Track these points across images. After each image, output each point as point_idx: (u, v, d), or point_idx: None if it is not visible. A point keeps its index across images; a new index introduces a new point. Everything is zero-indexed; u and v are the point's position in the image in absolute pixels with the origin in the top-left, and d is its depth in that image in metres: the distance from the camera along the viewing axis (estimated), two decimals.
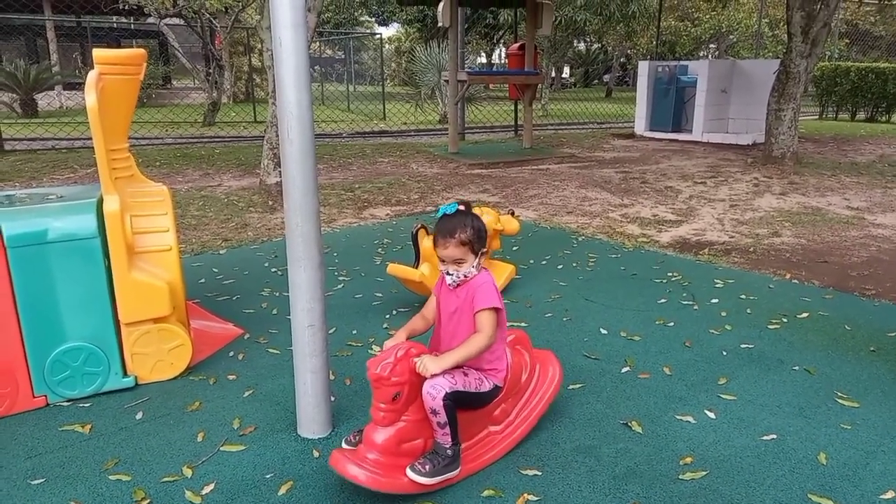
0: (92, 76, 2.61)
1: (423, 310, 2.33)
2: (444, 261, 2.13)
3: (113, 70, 2.73)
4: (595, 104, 19.12)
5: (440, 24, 9.22)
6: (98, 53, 2.69)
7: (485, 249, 2.16)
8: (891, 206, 6.46)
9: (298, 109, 2.11)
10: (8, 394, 2.53)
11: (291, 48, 2.07)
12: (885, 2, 11.60)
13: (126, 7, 14.70)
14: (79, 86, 17.50)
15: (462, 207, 2.16)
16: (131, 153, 3.01)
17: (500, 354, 2.24)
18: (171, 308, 2.77)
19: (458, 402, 2.03)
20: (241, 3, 15.56)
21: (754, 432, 2.42)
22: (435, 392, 1.97)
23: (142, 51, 2.90)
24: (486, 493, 2.08)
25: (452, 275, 2.13)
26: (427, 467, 1.98)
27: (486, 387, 2.16)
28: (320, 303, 2.31)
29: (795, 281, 4.22)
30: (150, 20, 16.05)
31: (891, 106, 15.92)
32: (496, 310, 2.12)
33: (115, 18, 21.52)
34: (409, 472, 1.98)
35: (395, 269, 3.60)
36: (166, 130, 12.17)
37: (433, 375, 1.98)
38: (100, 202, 2.68)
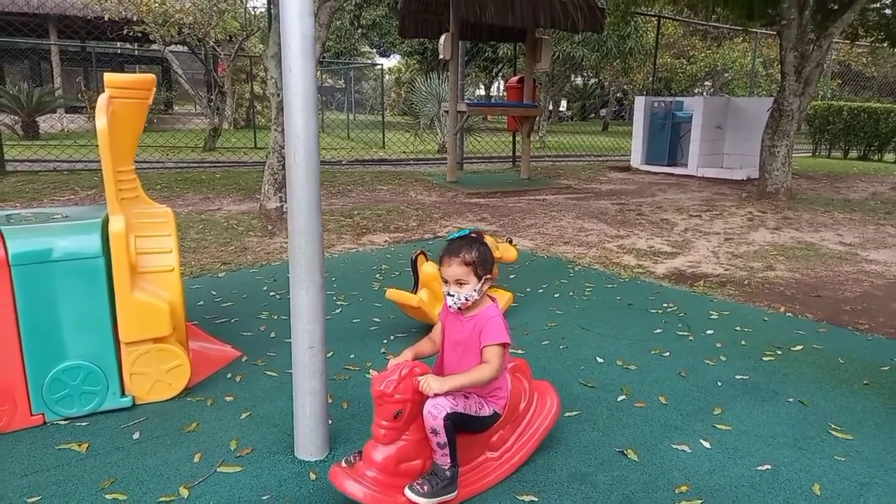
0: (102, 99, 2.67)
1: (431, 333, 2.37)
2: (446, 281, 2.17)
3: (123, 94, 2.79)
4: (592, 137, 19.36)
5: (441, 57, 9.39)
6: (109, 77, 2.75)
7: (489, 276, 2.19)
8: (883, 243, 6.53)
9: (305, 134, 2.17)
10: (5, 411, 2.53)
11: (300, 75, 2.13)
12: (877, 44, 11.88)
13: (131, 34, 14.92)
14: (81, 110, 17.68)
15: (474, 235, 2.21)
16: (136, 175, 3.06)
17: (501, 383, 2.26)
18: (172, 328, 2.78)
19: (458, 425, 2.05)
20: (245, 32, 15.84)
21: (749, 462, 2.44)
22: (436, 412, 1.99)
23: (151, 76, 2.96)
24: None
25: (453, 296, 2.15)
26: (425, 488, 1.99)
27: (486, 412, 2.18)
28: (321, 325, 2.34)
29: (789, 314, 4.26)
30: (154, 47, 16.28)
31: (883, 145, 16.18)
32: (504, 345, 2.15)
33: (118, 44, 21.82)
34: (407, 491, 1.99)
35: (393, 294, 3.62)
36: (167, 155, 12.25)
37: (435, 395, 2.00)
38: (105, 222, 2.72)
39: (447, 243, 2.21)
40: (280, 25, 2.16)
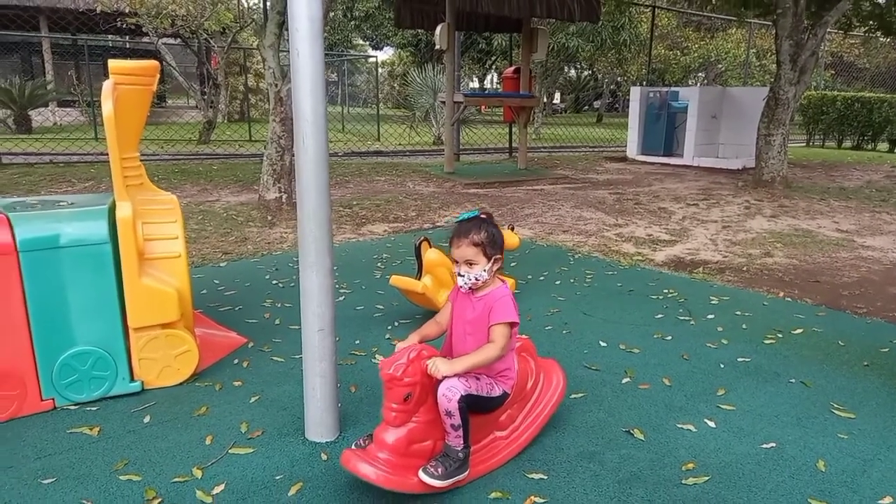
0: (107, 86, 2.67)
1: (437, 315, 2.39)
2: (457, 262, 2.19)
3: (127, 80, 2.79)
4: (586, 129, 19.38)
5: (437, 47, 9.38)
6: (113, 64, 2.75)
7: (499, 256, 2.22)
8: (879, 230, 6.59)
9: (314, 118, 2.18)
10: (16, 396, 2.54)
11: (309, 58, 2.14)
12: (870, 33, 11.95)
13: (124, 26, 14.83)
14: (73, 103, 17.58)
15: (483, 216, 2.23)
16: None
17: (509, 363, 2.29)
18: (180, 313, 2.80)
19: (470, 406, 2.07)
20: (238, 25, 15.75)
21: (754, 440, 2.47)
22: (451, 394, 2.01)
23: (154, 62, 2.96)
24: (493, 495, 2.11)
25: (464, 276, 2.18)
26: (440, 470, 2.02)
27: (496, 392, 2.21)
28: (330, 308, 2.35)
29: (789, 299, 4.30)
30: (146, 39, 16.21)
31: (876, 134, 16.25)
32: (512, 324, 2.17)
33: (110, 38, 21.68)
34: (421, 474, 2.00)
35: (397, 280, 3.64)
36: (162, 147, 12.21)
37: (445, 377, 2.02)
38: (111, 209, 2.72)
39: (457, 225, 2.23)
40: (288, 10, 2.16)
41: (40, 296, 2.56)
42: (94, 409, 2.62)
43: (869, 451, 2.41)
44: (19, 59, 20.90)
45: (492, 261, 2.19)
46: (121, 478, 2.15)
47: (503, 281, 2.30)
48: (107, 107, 2.63)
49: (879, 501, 2.12)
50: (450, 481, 2.05)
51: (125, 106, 2.81)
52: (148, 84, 2.96)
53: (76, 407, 2.63)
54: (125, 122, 2.83)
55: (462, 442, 2.08)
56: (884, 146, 16.45)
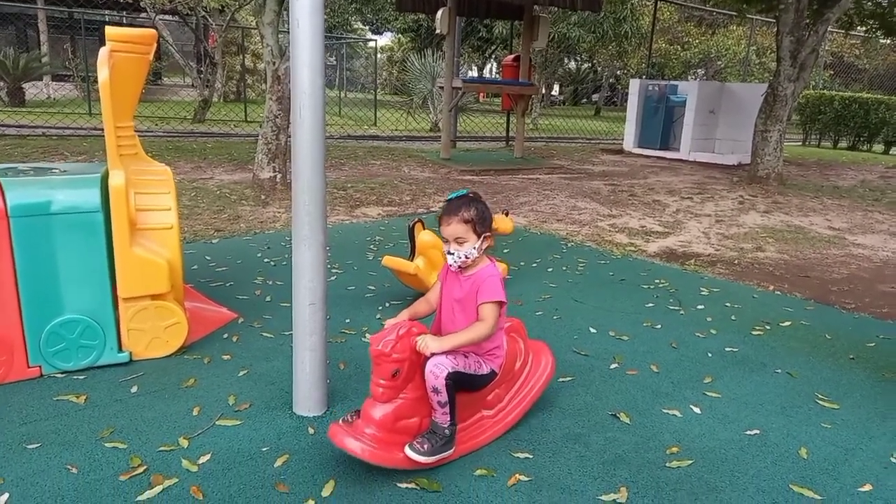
0: (104, 52, 2.65)
1: (427, 294, 2.39)
2: (447, 240, 2.19)
3: (124, 48, 2.76)
4: (584, 121, 19.34)
5: (438, 31, 9.33)
6: (110, 30, 2.72)
7: (488, 234, 2.21)
8: (871, 228, 6.62)
9: (312, 90, 2.16)
10: (3, 362, 2.53)
11: (308, 30, 2.12)
12: (871, 33, 11.96)
13: (122, 0, 14.66)
14: (68, 78, 17.40)
15: (472, 195, 2.23)
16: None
17: (498, 342, 2.30)
18: (170, 285, 2.79)
19: (458, 383, 2.08)
20: (237, 3, 15.59)
21: (738, 427, 2.49)
22: (438, 371, 2.02)
23: (152, 31, 2.93)
24: (478, 472, 2.12)
25: (454, 254, 2.17)
26: (426, 446, 2.03)
27: (484, 370, 2.22)
28: (322, 282, 2.35)
29: (778, 292, 4.33)
30: (143, 15, 16.02)
31: (872, 135, 16.31)
32: (500, 303, 2.17)
33: (106, 12, 21.44)
34: (407, 450, 2.02)
35: (389, 261, 3.64)
36: (156, 124, 12.11)
37: (433, 354, 2.02)
38: (104, 177, 2.70)
39: (446, 203, 2.22)
40: None
41: (30, 263, 2.54)
42: (82, 377, 2.62)
43: (851, 441, 2.44)
44: (14, 31, 20.67)
45: (481, 238, 2.19)
46: (106, 445, 2.15)
47: (492, 260, 2.30)
48: (103, 73, 2.60)
49: (860, 489, 2.14)
50: (435, 458, 2.06)
51: (121, 73, 2.77)
52: (145, 52, 2.93)
53: (63, 375, 2.62)
54: (121, 90, 2.79)
55: (448, 419, 2.09)
56: (879, 147, 16.51)
